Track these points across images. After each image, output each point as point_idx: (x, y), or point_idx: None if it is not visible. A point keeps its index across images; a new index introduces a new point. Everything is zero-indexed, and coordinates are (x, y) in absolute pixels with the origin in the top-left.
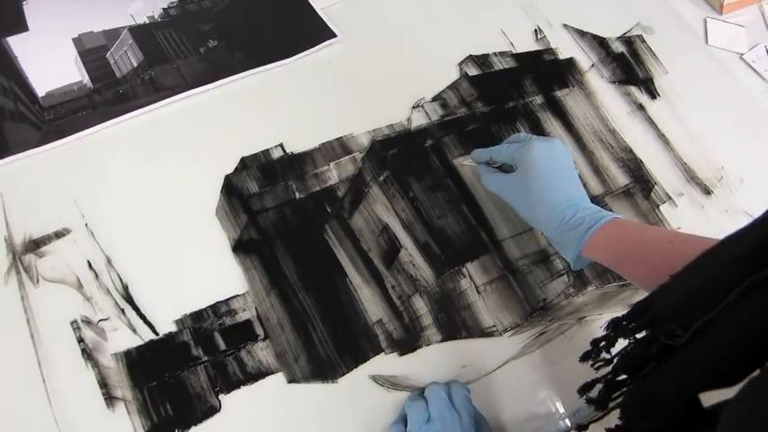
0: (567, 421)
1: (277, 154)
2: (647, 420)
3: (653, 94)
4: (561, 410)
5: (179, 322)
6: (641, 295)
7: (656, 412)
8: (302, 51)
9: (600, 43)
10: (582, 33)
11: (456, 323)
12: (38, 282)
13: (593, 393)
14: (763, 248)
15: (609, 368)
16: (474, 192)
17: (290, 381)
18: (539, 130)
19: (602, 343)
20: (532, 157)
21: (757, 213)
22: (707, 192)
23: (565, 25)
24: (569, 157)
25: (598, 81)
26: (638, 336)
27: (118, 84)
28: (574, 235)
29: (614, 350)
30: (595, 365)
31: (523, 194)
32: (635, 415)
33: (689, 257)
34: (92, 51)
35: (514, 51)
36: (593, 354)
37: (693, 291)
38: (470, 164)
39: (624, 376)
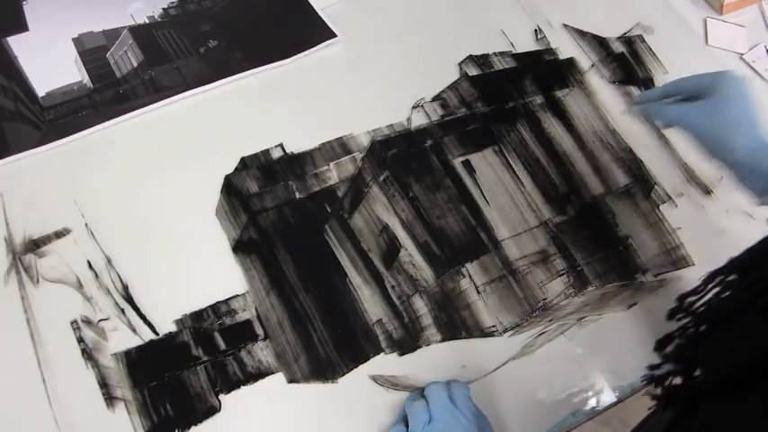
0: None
1: (277, 154)
2: (728, 366)
3: None
4: (561, 410)
5: (179, 322)
6: (642, 295)
7: (743, 360)
8: (302, 51)
9: (600, 43)
10: (582, 33)
11: (456, 323)
12: (38, 282)
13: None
14: None
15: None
16: (474, 192)
17: (290, 381)
18: (539, 129)
19: (691, 298)
20: (733, 85)
21: (757, 214)
22: (707, 192)
23: (565, 25)
24: None
25: (598, 81)
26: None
27: (118, 84)
28: None
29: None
30: (679, 319)
31: (718, 120)
32: (715, 361)
33: None
34: (92, 51)
35: (514, 51)
36: (682, 309)
37: None
38: (638, 108)
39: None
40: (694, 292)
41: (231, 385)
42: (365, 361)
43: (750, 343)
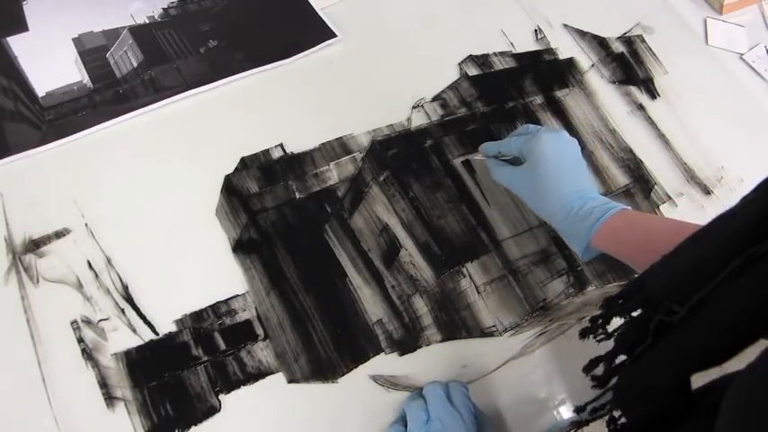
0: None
1: (277, 154)
2: (639, 406)
3: (653, 94)
4: (561, 410)
5: (179, 322)
6: None
7: (650, 399)
8: (302, 51)
9: (600, 43)
10: (582, 33)
11: (456, 323)
12: (38, 282)
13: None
14: (756, 225)
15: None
16: (474, 192)
17: (290, 381)
18: None
19: (600, 320)
20: (540, 150)
21: None
22: (707, 192)
23: (565, 25)
24: (577, 149)
25: (598, 81)
26: (634, 314)
27: (118, 84)
28: (582, 226)
29: (612, 326)
30: (597, 338)
31: (532, 186)
32: (628, 401)
33: None
34: (92, 51)
35: (514, 51)
36: (591, 330)
37: (687, 268)
38: (480, 158)
39: (623, 357)
40: (601, 316)
41: (231, 385)
42: (365, 361)
43: (656, 374)
